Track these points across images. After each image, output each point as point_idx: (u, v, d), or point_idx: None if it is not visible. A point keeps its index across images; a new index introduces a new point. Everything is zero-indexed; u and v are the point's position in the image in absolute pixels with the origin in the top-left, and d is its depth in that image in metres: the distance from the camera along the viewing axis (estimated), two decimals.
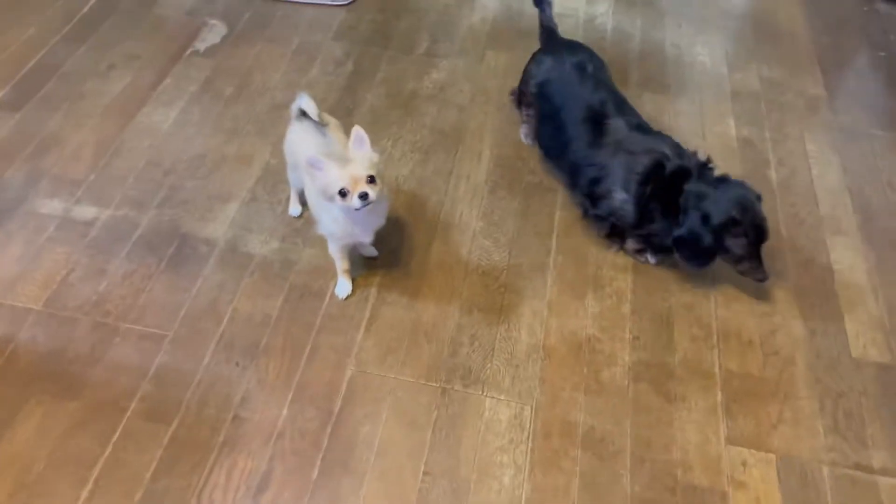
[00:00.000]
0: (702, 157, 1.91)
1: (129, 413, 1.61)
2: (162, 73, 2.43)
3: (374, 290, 1.88)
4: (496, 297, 1.89)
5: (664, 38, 2.78)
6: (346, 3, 2.79)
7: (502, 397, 1.70)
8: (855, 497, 1.58)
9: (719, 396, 1.74)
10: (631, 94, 2.50)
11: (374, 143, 2.25)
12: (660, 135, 1.98)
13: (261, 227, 2.00)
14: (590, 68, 2.10)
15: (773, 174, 2.28)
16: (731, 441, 1.66)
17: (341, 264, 1.85)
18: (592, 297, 1.92)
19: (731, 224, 1.80)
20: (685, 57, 2.70)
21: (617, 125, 1.96)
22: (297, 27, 2.67)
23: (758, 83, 2.61)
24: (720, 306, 1.92)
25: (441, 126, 2.34)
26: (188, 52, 2.52)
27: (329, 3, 2.77)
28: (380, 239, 1.87)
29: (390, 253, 1.95)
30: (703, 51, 2.73)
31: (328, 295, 1.86)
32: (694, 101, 2.51)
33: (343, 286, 1.86)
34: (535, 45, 2.68)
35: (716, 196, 1.81)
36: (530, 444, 1.62)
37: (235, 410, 1.63)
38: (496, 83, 2.52)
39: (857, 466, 1.63)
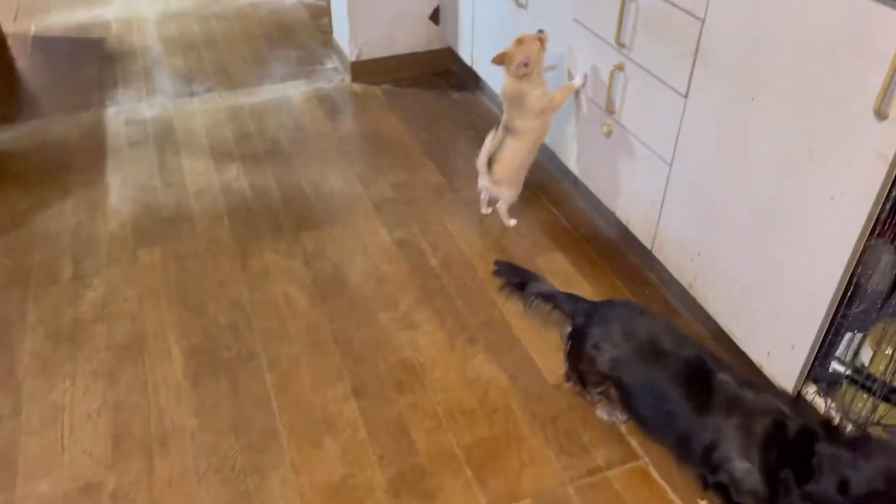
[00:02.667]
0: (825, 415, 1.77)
1: None
2: None
3: None
4: (240, 485, 1.87)
5: (299, 180, 3.03)
6: None
7: None
8: (597, 499, 1.85)
9: (468, 472, 1.91)
10: (290, 238, 2.69)
11: (50, 390, 2.13)
12: (772, 389, 1.85)
13: None
14: (649, 319, 1.93)
15: (433, 260, 2.60)
16: None
17: None
18: (329, 437, 1.99)
19: (873, 497, 1.55)
20: (323, 189, 2.97)
21: (723, 380, 1.76)
22: None
23: (390, 190, 2.97)
24: (438, 391, 2.12)
25: (118, 342, 2.26)
26: None
27: None
28: (99, 476, 1.73)
29: (112, 493, 1.82)
30: (336, 178, 3.04)
31: None
32: (347, 225, 2.77)
33: None
34: (184, 232, 2.74)
35: (856, 462, 1.58)
36: None
37: None
38: (159, 277, 2.51)
39: (590, 472, 1.91)
